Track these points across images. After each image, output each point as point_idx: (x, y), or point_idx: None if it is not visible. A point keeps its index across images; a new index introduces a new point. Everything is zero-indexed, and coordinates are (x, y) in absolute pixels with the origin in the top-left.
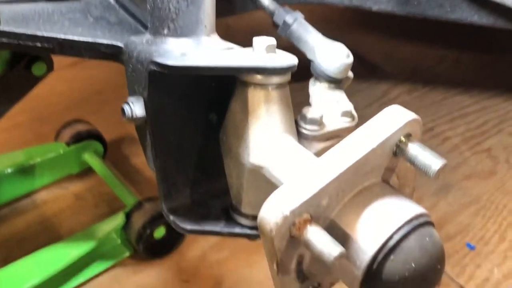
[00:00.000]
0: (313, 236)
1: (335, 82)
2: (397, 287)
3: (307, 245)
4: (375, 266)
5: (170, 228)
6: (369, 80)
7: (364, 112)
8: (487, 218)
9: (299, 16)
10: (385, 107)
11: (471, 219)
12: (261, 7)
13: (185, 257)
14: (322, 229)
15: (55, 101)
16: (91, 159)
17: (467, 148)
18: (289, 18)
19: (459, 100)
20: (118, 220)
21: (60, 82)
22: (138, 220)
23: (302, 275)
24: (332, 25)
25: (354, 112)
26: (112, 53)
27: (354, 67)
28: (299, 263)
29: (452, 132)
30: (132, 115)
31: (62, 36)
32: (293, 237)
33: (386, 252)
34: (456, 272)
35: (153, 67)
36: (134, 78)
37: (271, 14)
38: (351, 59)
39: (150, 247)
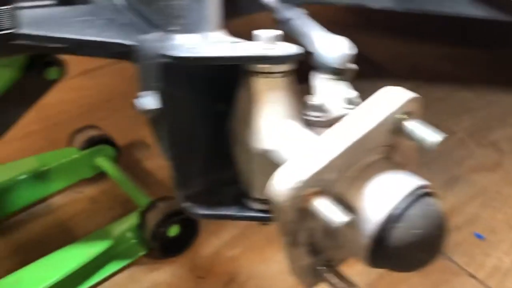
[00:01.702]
0: (321, 206)
1: (338, 73)
2: (402, 253)
3: (315, 215)
4: (381, 234)
5: (183, 227)
6: (372, 79)
7: None
8: (494, 208)
9: (300, 11)
10: None
11: (478, 210)
12: (263, 4)
13: (199, 255)
14: (329, 200)
15: (66, 109)
16: (104, 163)
17: (472, 141)
18: (290, 13)
19: (462, 96)
20: (133, 219)
21: (70, 90)
22: (152, 219)
23: (312, 249)
24: (334, 26)
25: (358, 99)
26: (124, 52)
27: (358, 66)
28: (310, 236)
29: (457, 127)
30: (145, 108)
31: (76, 36)
32: (302, 209)
33: (391, 220)
34: (465, 261)
35: (165, 60)
36: (146, 74)
37: (273, 10)
38: (352, 50)
39: (165, 245)
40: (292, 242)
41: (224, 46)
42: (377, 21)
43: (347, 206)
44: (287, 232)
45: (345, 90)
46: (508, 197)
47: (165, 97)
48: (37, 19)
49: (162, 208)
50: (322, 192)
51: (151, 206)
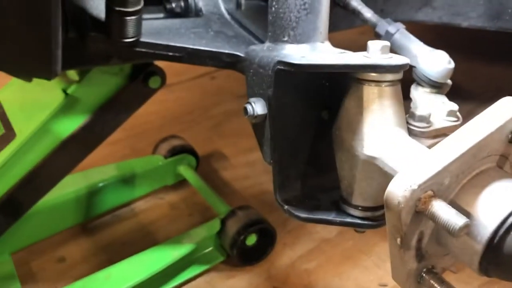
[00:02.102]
0: (439, 209)
1: (437, 87)
2: None
3: (433, 218)
4: (496, 240)
5: (261, 236)
6: (453, 100)
7: None
8: None
9: (401, 26)
10: None
11: None
12: (364, 20)
13: (275, 265)
14: (446, 203)
15: (149, 120)
16: (186, 171)
17: None
18: (391, 28)
19: None
20: (214, 226)
21: (153, 103)
22: (232, 227)
23: (420, 254)
24: None
25: (458, 113)
26: (232, 62)
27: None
28: (419, 240)
29: None
30: (253, 113)
31: (190, 46)
32: (418, 212)
33: (507, 227)
34: None
35: (280, 67)
36: (255, 82)
37: (374, 25)
38: (452, 65)
39: (243, 253)
40: (404, 245)
41: (334, 55)
42: (457, 40)
43: (460, 211)
44: (401, 235)
45: (446, 103)
46: None
47: (273, 103)
48: (155, 30)
49: (241, 217)
50: (437, 196)
51: (231, 214)
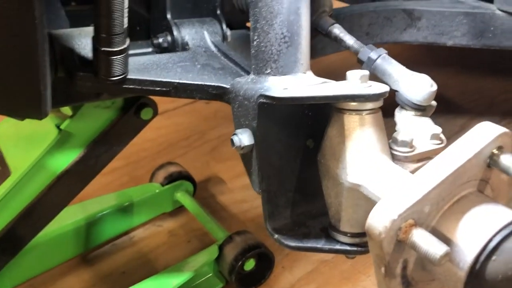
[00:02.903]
0: (419, 238)
1: (421, 110)
2: (500, 287)
3: (414, 247)
4: (477, 266)
5: (259, 261)
6: (445, 115)
7: None
8: None
9: (383, 52)
10: None
11: None
12: (346, 47)
13: None
14: (426, 232)
15: (146, 147)
16: (183, 198)
17: None
18: (373, 54)
19: None
20: (212, 252)
21: (149, 130)
22: (230, 253)
23: (406, 281)
24: (404, 63)
25: (442, 136)
26: (218, 94)
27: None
28: (404, 268)
29: None
30: (240, 144)
31: (177, 80)
32: (399, 241)
33: (487, 253)
34: None
35: (263, 100)
36: (240, 113)
37: (356, 52)
38: (435, 87)
39: (242, 279)
40: (388, 273)
41: (317, 86)
42: (447, 56)
43: (442, 238)
44: (384, 264)
45: (430, 126)
46: None
47: (259, 134)
48: (142, 66)
49: (239, 242)
50: (418, 224)
51: (228, 240)
